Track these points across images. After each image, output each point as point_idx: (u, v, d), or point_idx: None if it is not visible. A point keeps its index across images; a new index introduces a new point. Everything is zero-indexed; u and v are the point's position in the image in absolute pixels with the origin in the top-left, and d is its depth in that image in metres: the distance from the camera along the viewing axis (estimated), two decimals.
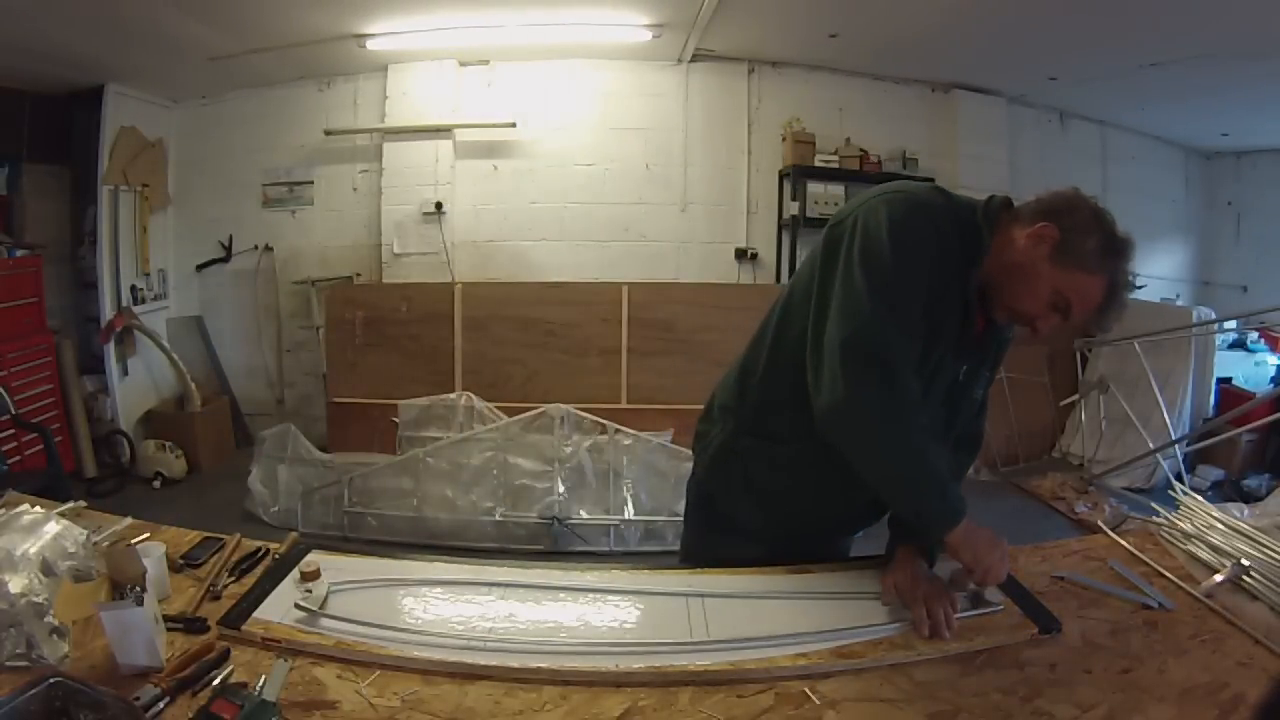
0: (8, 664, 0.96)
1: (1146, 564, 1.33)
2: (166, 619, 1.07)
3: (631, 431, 3.57)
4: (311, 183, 4.83)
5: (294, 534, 1.39)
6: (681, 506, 3.63)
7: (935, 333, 1.16)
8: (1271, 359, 4.85)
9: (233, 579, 1.23)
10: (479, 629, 1.10)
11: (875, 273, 1.12)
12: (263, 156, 4.83)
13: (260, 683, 0.95)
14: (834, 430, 1.16)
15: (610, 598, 1.20)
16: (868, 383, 1.11)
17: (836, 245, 1.18)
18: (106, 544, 1.24)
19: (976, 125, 4.85)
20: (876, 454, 1.15)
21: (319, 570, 1.20)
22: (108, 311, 4.31)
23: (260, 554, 1.30)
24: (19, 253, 4.01)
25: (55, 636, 0.99)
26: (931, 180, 4.65)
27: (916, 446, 1.13)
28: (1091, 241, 1.12)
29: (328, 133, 4.68)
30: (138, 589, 1.00)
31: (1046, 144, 5.21)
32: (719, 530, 1.42)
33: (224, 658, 1.01)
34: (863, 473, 1.17)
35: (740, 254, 4.83)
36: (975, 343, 1.25)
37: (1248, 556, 1.27)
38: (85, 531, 1.21)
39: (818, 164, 4.67)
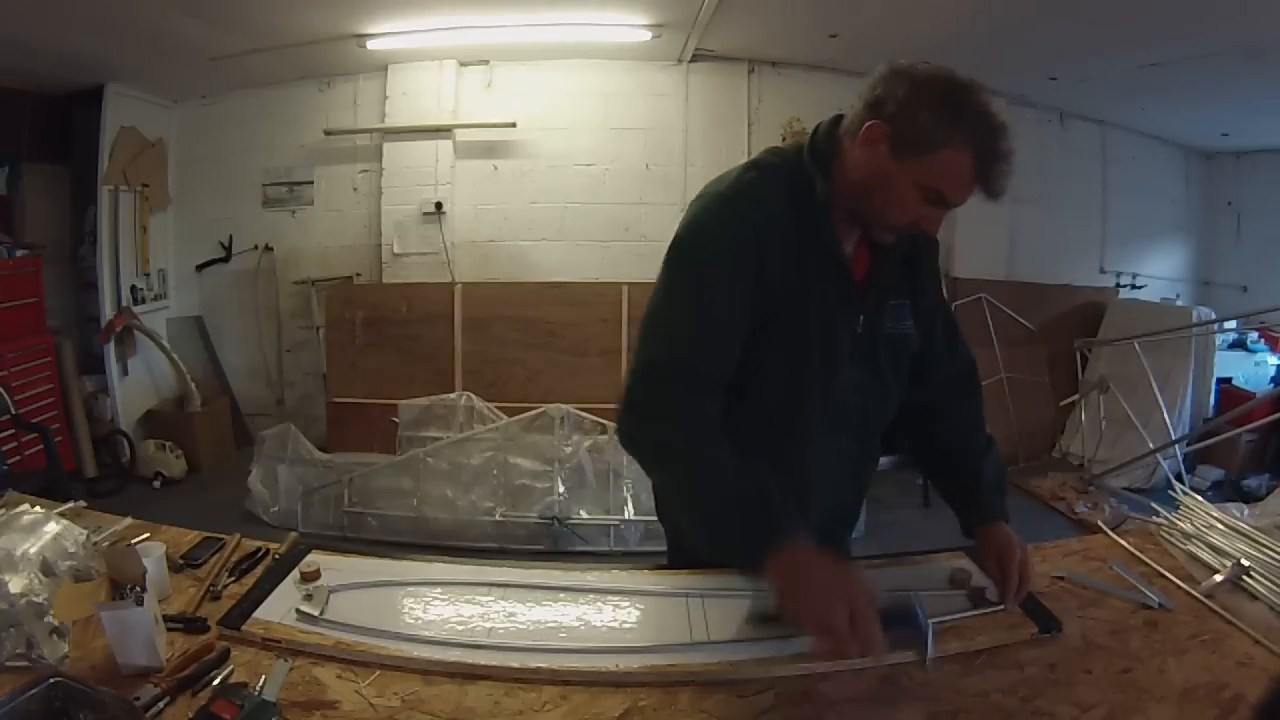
0: (8, 664, 0.96)
1: (1146, 564, 1.33)
2: (166, 619, 1.07)
3: None
4: (311, 183, 4.83)
5: (294, 534, 1.39)
6: None
7: (807, 303, 1.10)
8: (1271, 359, 4.85)
9: (233, 579, 1.23)
10: (479, 629, 1.10)
11: (674, 294, 1.09)
12: (263, 156, 4.83)
13: (260, 683, 0.95)
14: (627, 446, 1.12)
15: (610, 598, 1.20)
16: (657, 413, 1.07)
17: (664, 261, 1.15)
18: (106, 544, 1.24)
19: None
20: (669, 482, 1.13)
21: (319, 570, 1.20)
22: (108, 311, 4.31)
23: (260, 554, 1.30)
24: (19, 253, 4.01)
25: (55, 636, 0.99)
26: None
27: (714, 471, 1.02)
28: (924, 115, 0.97)
29: (328, 133, 4.68)
30: (138, 589, 1.00)
31: (1046, 144, 5.20)
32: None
33: (224, 658, 1.01)
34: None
35: None
36: (860, 289, 1.14)
37: (1248, 556, 1.27)
38: (85, 531, 1.21)
39: None
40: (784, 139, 4.73)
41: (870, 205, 1.06)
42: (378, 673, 1.00)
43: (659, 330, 1.10)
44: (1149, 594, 1.22)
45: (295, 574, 1.21)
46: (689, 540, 1.15)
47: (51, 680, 0.86)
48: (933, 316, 1.25)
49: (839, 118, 1.10)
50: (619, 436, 1.11)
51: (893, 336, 1.19)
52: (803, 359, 1.13)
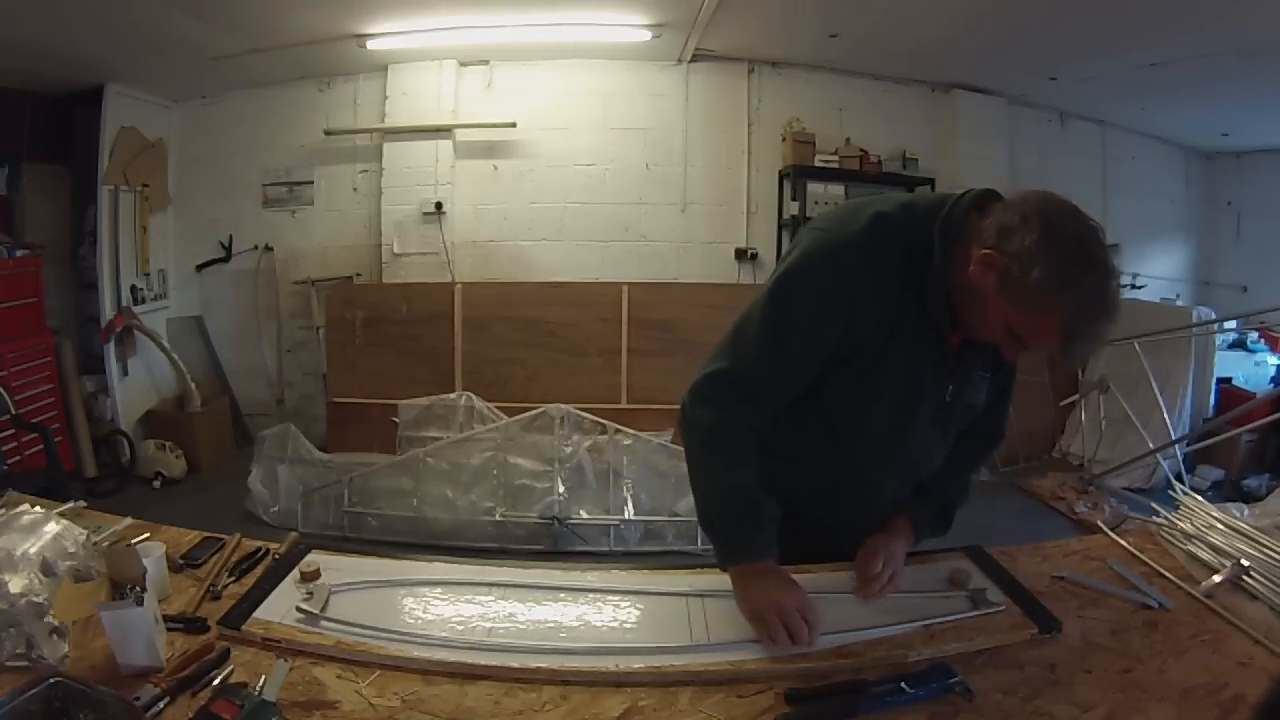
0: (8, 664, 0.96)
1: (1146, 564, 1.33)
2: (166, 619, 1.07)
3: (631, 431, 3.57)
4: (311, 183, 4.84)
5: (294, 534, 1.39)
6: (681, 506, 3.60)
7: (891, 358, 1.12)
8: (1271, 359, 4.85)
9: (233, 579, 1.23)
10: (479, 629, 1.10)
11: (762, 317, 1.13)
12: (263, 156, 4.83)
13: (260, 683, 0.95)
14: (680, 422, 1.23)
15: (610, 598, 1.20)
16: (712, 404, 1.18)
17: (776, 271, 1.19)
18: (106, 544, 1.24)
19: (976, 125, 4.85)
20: (691, 461, 1.21)
21: (319, 570, 1.20)
22: (108, 311, 4.31)
23: (260, 554, 1.30)
24: (19, 253, 4.00)
25: (55, 636, 0.99)
26: (929, 182, 4.68)
27: (725, 473, 1.16)
28: (1036, 272, 0.96)
29: (328, 133, 4.68)
30: (138, 589, 1.00)
31: (1046, 144, 5.21)
32: None
33: (224, 658, 1.01)
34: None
35: (740, 254, 4.83)
36: (954, 360, 1.16)
37: (1248, 556, 1.27)
38: (85, 531, 1.21)
39: (818, 164, 4.67)
40: (784, 139, 4.74)
41: (965, 307, 1.08)
42: (378, 673, 1.00)
43: (739, 342, 1.17)
44: (1149, 594, 1.22)
45: (295, 574, 1.21)
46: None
47: (51, 680, 0.86)
48: (985, 393, 1.27)
49: (986, 197, 1.09)
50: (681, 411, 1.22)
51: (967, 405, 1.24)
52: (873, 407, 1.17)
